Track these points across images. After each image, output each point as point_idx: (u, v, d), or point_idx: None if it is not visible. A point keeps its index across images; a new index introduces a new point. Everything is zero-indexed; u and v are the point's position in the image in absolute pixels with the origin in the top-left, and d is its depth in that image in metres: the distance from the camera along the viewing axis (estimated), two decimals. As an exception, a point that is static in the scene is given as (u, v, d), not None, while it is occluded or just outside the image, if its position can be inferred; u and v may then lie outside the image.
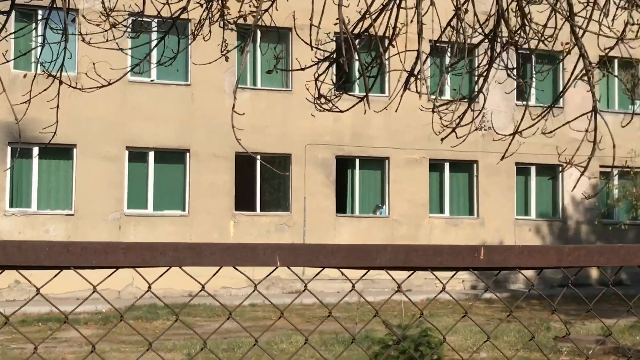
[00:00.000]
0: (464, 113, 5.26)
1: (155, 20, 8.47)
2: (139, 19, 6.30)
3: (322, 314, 16.28)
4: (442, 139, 5.49)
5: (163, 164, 20.04)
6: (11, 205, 18.80)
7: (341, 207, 21.60)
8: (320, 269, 1.88)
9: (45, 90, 5.52)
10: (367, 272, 1.92)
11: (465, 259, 1.98)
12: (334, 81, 5.64)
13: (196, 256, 1.73)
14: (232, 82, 19.19)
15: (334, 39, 5.32)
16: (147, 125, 19.57)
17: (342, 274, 1.91)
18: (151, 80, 18.13)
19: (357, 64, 4.93)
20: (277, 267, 1.83)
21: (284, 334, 12.69)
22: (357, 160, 21.76)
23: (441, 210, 22.69)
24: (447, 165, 22.65)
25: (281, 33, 18.06)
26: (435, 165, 22.50)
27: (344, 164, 21.75)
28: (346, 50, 4.32)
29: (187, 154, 20.00)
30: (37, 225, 18.65)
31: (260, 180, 20.82)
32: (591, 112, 4.69)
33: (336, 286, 18.01)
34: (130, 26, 6.42)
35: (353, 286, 1.91)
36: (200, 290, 1.81)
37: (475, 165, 22.69)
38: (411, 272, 1.97)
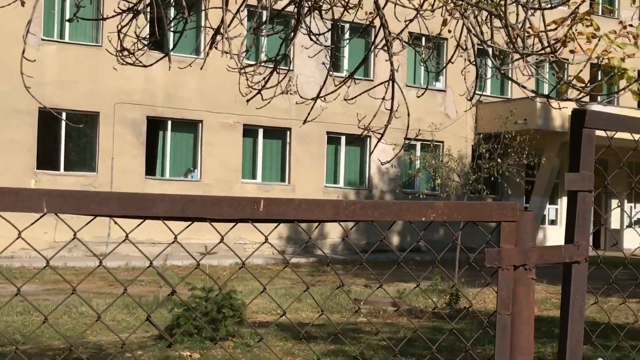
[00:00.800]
0: (270, 75, 5.29)
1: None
2: None
3: (126, 277, 15.95)
4: (247, 100, 5.49)
5: (-42, 116, 18.66)
6: None
7: (151, 169, 21.18)
8: (92, 216, 1.81)
9: None
10: (142, 222, 1.87)
11: (244, 211, 1.98)
12: (140, 35, 5.45)
13: (-50, 199, 1.60)
14: (36, 33, 18.09)
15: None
16: (-59, 74, 18.10)
17: (115, 222, 1.85)
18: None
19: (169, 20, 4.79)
20: (44, 214, 1.74)
21: (85, 297, 12.33)
22: (169, 122, 21.38)
23: (253, 176, 22.88)
24: (260, 131, 22.82)
25: (92, -15, 17.26)
26: (249, 131, 22.61)
27: (155, 125, 21.29)
28: (152, 3, 4.19)
29: (-14, 107, 18.73)
30: None
31: (66, 138, 19.91)
32: (389, 81, 4.87)
33: (144, 250, 17.67)
34: None
35: (127, 236, 1.86)
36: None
37: (288, 132, 23.03)
38: (189, 222, 1.95)
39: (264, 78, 5.35)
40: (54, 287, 13.79)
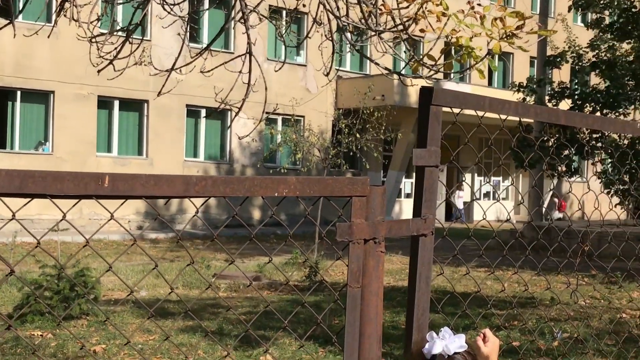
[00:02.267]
0: (122, 45, 5.11)
1: None
2: None
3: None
4: (98, 71, 5.29)
5: None
6: None
7: (-1, 142, 20.14)
8: None
9: None
10: (-25, 199, 1.76)
11: (88, 187, 1.90)
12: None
13: None
14: None
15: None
16: None
17: (-55, 199, 1.73)
18: None
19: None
20: None
21: None
22: (19, 93, 20.34)
23: (109, 149, 22.21)
24: (116, 103, 22.14)
25: None
26: (105, 103, 21.88)
27: (3, 96, 20.20)
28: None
29: None
30: None
31: None
32: (246, 54, 4.82)
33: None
34: None
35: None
36: None
37: (146, 104, 22.48)
38: (28, 199, 1.85)
39: (116, 48, 5.17)
40: None
